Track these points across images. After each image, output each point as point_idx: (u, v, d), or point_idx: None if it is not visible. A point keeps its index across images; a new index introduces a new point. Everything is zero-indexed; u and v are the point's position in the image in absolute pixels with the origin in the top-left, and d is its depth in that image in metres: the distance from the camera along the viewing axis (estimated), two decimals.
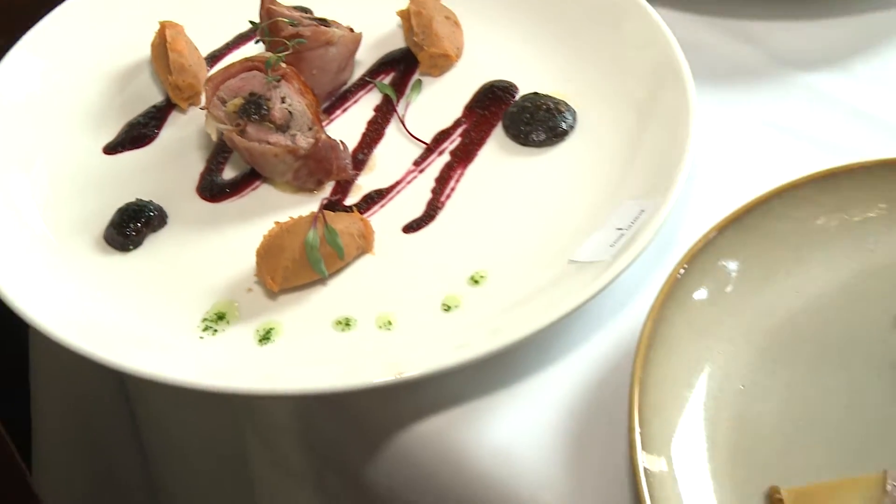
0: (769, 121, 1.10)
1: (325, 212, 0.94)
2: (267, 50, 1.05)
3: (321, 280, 0.94)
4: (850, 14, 1.20)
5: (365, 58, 1.17)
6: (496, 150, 1.06)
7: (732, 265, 0.90)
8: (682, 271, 0.86)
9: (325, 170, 1.01)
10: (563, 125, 1.05)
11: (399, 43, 1.17)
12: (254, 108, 0.99)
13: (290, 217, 0.94)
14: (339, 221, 0.94)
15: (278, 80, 1.01)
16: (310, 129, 1.00)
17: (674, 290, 0.85)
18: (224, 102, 1.00)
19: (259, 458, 1.05)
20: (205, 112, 1.01)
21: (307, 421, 0.96)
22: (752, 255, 0.90)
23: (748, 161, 1.03)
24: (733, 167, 1.03)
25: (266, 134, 0.99)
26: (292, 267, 0.92)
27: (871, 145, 1.01)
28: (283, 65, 1.02)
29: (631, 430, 0.77)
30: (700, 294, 0.87)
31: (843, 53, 1.18)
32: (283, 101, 1.01)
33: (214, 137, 1.02)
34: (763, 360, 0.87)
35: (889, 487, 0.77)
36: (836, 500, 0.78)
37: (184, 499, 1.25)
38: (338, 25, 1.10)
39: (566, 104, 1.07)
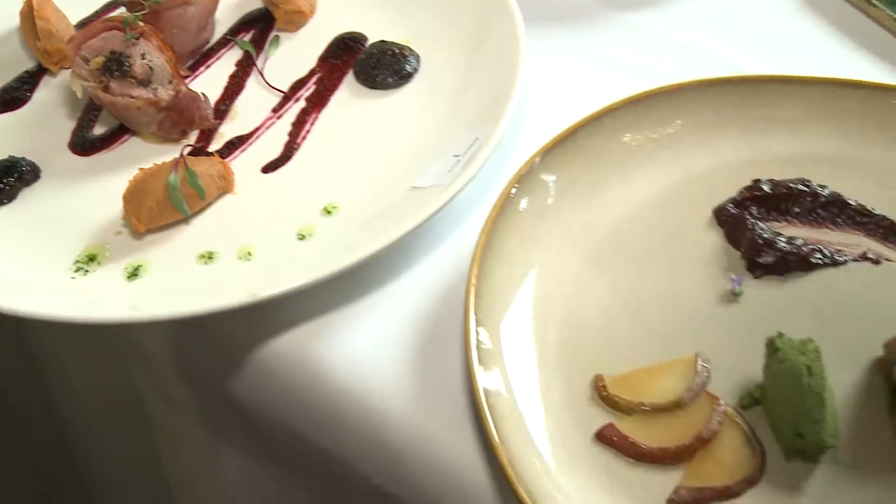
0: (595, 56, 1.15)
1: (186, 156, 0.98)
2: (127, 10, 1.08)
3: (185, 219, 0.98)
4: None
5: (226, 18, 1.20)
6: (348, 95, 1.11)
7: (555, 181, 0.95)
8: (513, 190, 0.91)
9: (188, 120, 1.05)
10: (408, 68, 1.10)
11: (258, 3, 1.21)
12: (115, 66, 1.02)
13: (154, 164, 0.98)
14: (199, 164, 0.98)
15: (137, 38, 1.04)
16: (170, 82, 1.03)
17: (505, 205, 0.91)
18: (87, 61, 1.03)
19: (149, 394, 1.09)
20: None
21: (182, 351, 1.00)
22: (576, 172, 0.96)
23: (577, 91, 1.08)
24: (563, 97, 1.08)
25: (128, 89, 1.02)
26: (156, 208, 0.96)
27: (683, 71, 1.06)
28: (142, 24, 1.05)
29: (466, 332, 0.82)
30: (526, 208, 0.92)
31: None
32: (143, 58, 1.04)
33: (80, 95, 1.04)
34: (589, 265, 0.92)
35: (699, 367, 0.83)
36: (652, 381, 0.84)
37: (87, 438, 1.28)
38: None
39: (410, 49, 1.12)
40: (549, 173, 0.95)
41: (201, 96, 1.05)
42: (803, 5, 1.21)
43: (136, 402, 1.11)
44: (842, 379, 0.83)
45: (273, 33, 1.18)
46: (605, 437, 0.81)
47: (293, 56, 1.15)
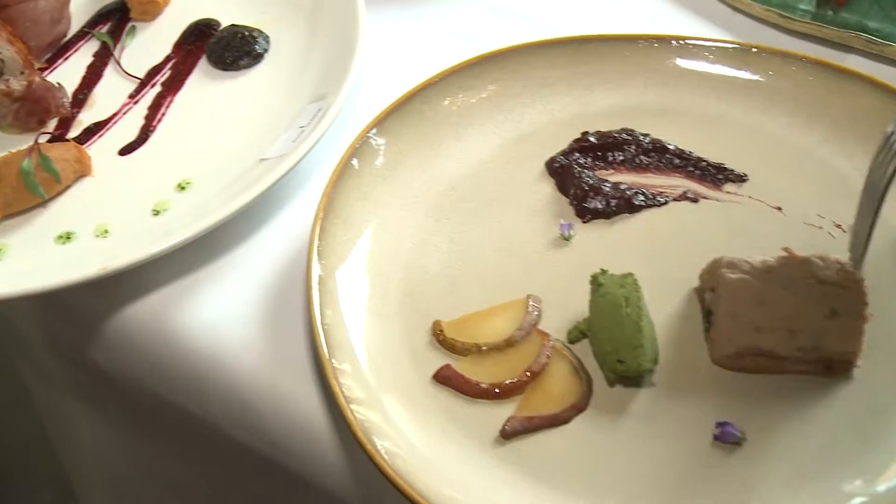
0: (434, 26, 1.19)
1: (40, 143, 0.99)
2: None
3: (43, 203, 0.99)
4: None
5: (85, 10, 1.22)
6: (202, 78, 1.12)
7: (394, 144, 0.97)
8: (352, 155, 0.94)
9: (44, 109, 1.06)
10: (258, 48, 1.12)
11: None
12: None
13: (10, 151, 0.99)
14: (53, 150, 0.99)
15: None
16: (22, 73, 1.05)
17: (343, 170, 0.93)
18: None
19: (27, 372, 1.10)
20: None
21: (50, 329, 1.01)
22: (414, 135, 0.98)
23: (418, 59, 1.10)
24: (405, 66, 1.10)
25: None
26: (12, 194, 0.97)
27: (514, 35, 1.09)
28: None
29: (308, 289, 0.84)
30: (365, 170, 0.95)
31: None
32: None
33: None
34: (429, 220, 0.95)
35: (530, 308, 0.86)
36: (486, 323, 0.87)
37: None
38: None
39: (260, 31, 1.14)
40: (386, 137, 0.97)
41: (56, 86, 1.06)
42: None
43: (17, 381, 1.12)
44: (663, 308, 0.87)
45: (129, 24, 1.19)
46: (443, 378, 0.83)
47: (149, 44, 1.17)
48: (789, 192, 0.96)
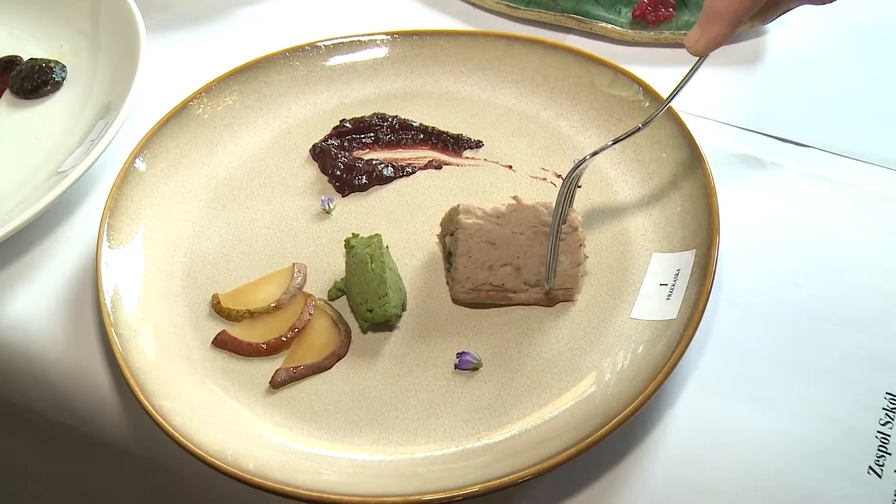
0: (211, 42, 1.18)
1: None
2: None
3: None
4: None
5: None
6: (7, 107, 1.11)
7: (176, 146, 0.98)
8: (136, 161, 0.94)
9: None
10: (55, 77, 1.10)
11: None
12: None
13: None
14: None
15: None
16: None
17: (127, 173, 0.93)
18: None
19: None
20: None
21: None
22: (193, 136, 0.99)
23: (198, 71, 1.09)
24: (187, 77, 1.09)
25: None
26: None
27: (274, 45, 1.09)
28: None
29: (97, 273, 0.84)
30: (148, 171, 0.95)
31: None
32: None
33: None
34: (209, 208, 0.95)
35: (295, 273, 0.87)
36: (258, 291, 0.87)
37: None
38: None
39: (57, 62, 1.12)
40: (167, 140, 0.97)
41: None
42: None
43: None
44: (411, 262, 0.89)
45: None
46: (220, 342, 0.83)
47: None
48: (518, 152, 0.98)
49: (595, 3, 1.12)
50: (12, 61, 1.13)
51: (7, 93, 1.11)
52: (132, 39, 1.06)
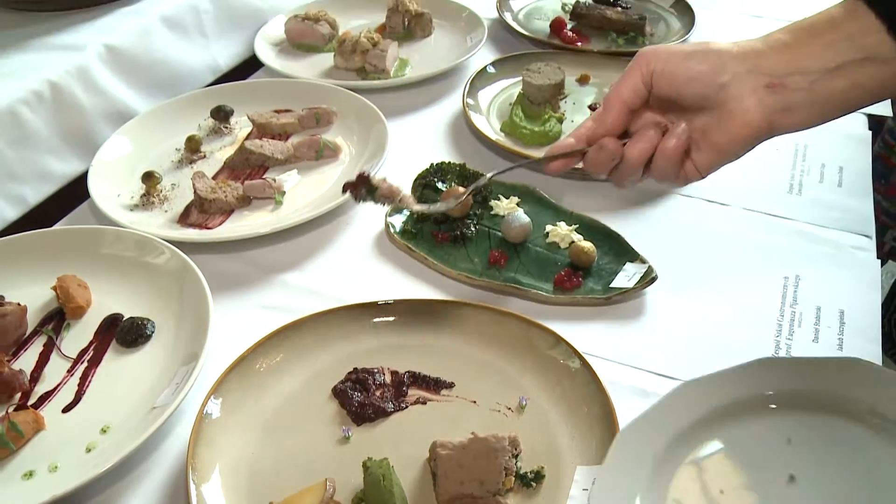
0: (263, 304, 1.31)
1: (10, 412, 1.08)
2: None
3: (12, 452, 1.06)
4: None
5: (37, 316, 1.28)
6: (114, 355, 1.19)
7: (236, 391, 1.11)
8: (208, 403, 1.06)
9: (11, 388, 1.11)
10: (147, 331, 1.20)
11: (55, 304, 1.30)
12: None
13: None
14: (18, 416, 1.04)
15: None
16: None
17: (202, 417, 1.04)
18: None
19: None
20: None
21: None
22: (247, 382, 1.11)
23: (253, 329, 1.24)
24: (245, 335, 1.24)
25: None
26: None
27: (310, 308, 1.26)
28: None
29: (186, 488, 0.97)
30: (220, 411, 1.07)
31: None
32: None
33: None
34: (263, 433, 1.05)
35: (328, 486, 0.96)
36: (302, 498, 0.94)
37: None
38: (7, 302, 1.22)
39: (149, 319, 1.21)
40: (230, 386, 1.09)
41: (19, 373, 1.13)
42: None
43: None
44: (410, 476, 1.00)
45: (65, 321, 1.26)
46: None
47: (79, 334, 1.22)
48: (480, 390, 1.08)
49: (527, 274, 1.29)
50: (116, 319, 1.25)
51: (114, 342, 1.22)
52: (204, 307, 1.18)
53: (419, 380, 1.12)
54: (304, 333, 1.16)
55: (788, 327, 1.20)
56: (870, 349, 1.16)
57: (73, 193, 1.49)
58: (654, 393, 1.09)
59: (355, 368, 1.13)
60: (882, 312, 1.19)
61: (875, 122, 1.70)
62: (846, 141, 1.63)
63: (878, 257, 1.31)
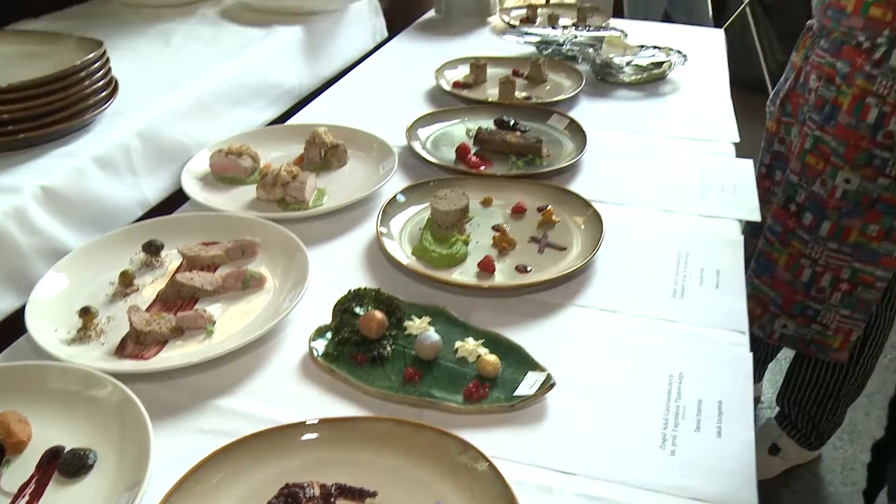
0: (199, 428, 1.40)
1: None
2: None
3: None
4: None
5: None
6: (56, 486, 1.27)
7: None
8: None
9: None
10: (88, 461, 1.27)
11: None
12: None
13: None
14: None
15: None
16: None
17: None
18: None
19: None
20: None
21: None
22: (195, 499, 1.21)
23: (191, 455, 1.34)
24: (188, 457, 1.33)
25: None
26: None
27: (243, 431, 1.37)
28: None
29: None
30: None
31: None
32: None
33: None
34: None
35: None
36: None
37: None
38: None
39: (90, 449, 1.27)
40: None
41: None
42: None
43: None
44: None
45: (5, 457, 1.30)
46: None
47: (19, 468, 1.25)
48: (400, 497, 1.19)
49: (440, 388, 1.42)
50: (57, 451, 1.31)
51: (56, 474, 1.27)
52: (145, 436, 1.26)
53: (345, 491, 1.21)
54: (239, 454, 1.24)
55: (674, 420, 1.36)
56: (745, 435, 1.32)
57: (9, 328, 1.56)
58: (560, 489, 1.23)
59: (287, 484, 1.22)
60: (780, 393, 1.31)
61: (751, 223, 1.94)
62: (721, 246, 1.84)
63: (768, 344, 1.47)
